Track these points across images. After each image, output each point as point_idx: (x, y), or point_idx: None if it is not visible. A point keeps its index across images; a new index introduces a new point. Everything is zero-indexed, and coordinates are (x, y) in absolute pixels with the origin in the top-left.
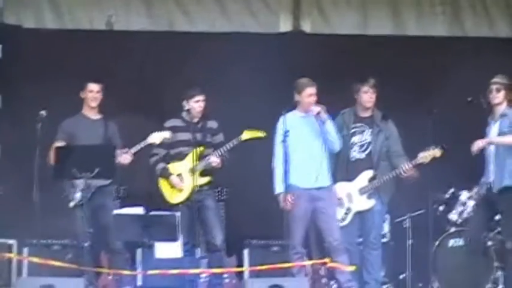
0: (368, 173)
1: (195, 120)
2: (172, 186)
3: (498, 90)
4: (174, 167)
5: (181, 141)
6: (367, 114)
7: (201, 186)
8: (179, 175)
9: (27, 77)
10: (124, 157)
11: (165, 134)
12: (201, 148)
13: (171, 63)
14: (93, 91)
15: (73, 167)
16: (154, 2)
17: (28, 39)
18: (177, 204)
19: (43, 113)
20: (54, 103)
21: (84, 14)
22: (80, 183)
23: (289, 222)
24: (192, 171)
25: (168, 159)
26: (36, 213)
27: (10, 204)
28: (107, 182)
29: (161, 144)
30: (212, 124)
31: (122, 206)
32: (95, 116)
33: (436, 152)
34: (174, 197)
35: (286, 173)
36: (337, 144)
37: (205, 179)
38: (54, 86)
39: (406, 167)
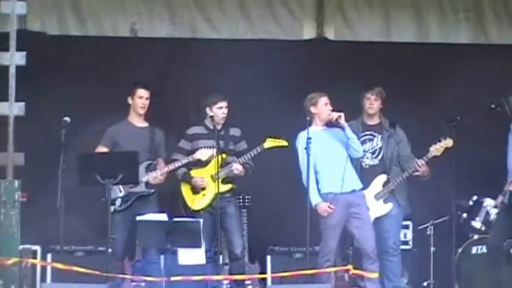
0: (382, 178)
1: (218, 127)
2: (194, 192)
3: None
4: (196, 174)
5: (203, 148)
6: (374, 122)
7: (223, 193)
8: None
9: (52, 84)
10: (154, 177)
11: (215, 153)
12: (224, 155)
13: (194, 70)
14: (142, 97)
15: (96, 173)
16: (177, 8)
17: (52, 46)
18: (199, 211)
19: (67, 119)
20: (78, 110)
21: (108, 21)
22: (121, 189)
23: (323, 230)
24: (214, 178)
25: (190, 165)
26: (61, 219)
27: (34, 211)
28: (151, 190)
29: (183, 151)
30: (235, 131)
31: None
32: (141, 123)
33: (448, 142)
34: (196, 203)
35: (318, 183)
36: (360, 149)
37: (228, 186)
38: (78, 92)
39: (419, 163)
